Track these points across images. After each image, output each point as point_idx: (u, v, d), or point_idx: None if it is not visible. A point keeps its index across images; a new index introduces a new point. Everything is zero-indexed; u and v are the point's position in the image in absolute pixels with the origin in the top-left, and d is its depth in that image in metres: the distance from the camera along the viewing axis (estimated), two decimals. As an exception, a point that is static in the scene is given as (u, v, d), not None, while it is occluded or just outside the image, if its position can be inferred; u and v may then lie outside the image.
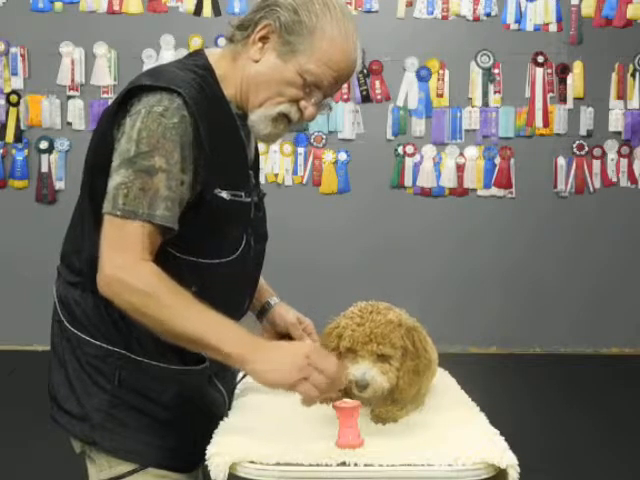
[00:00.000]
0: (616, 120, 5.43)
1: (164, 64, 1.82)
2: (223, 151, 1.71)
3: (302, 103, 1.73)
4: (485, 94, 5.39)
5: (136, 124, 1.62)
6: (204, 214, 1.70)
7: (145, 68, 5.06)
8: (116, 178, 1.62)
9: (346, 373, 1.65)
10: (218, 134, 1.69)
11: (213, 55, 1.79)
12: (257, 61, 1.73)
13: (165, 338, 1.64)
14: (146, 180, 1.60)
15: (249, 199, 1.79)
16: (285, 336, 2.02)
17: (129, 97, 1.66)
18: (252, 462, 1.49)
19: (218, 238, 1.75)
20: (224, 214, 1.74)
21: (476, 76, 5.39)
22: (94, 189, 1.72)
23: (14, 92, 5.27)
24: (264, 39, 1.72)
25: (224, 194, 1.72)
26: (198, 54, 1.81)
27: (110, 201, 1.62)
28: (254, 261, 1.87)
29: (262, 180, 5.16)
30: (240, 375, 2.00)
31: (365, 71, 5.32)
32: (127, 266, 1.60)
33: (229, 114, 1.75)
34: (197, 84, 1.68)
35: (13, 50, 5.27)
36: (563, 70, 5.39)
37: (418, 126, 5.39)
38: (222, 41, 5.18)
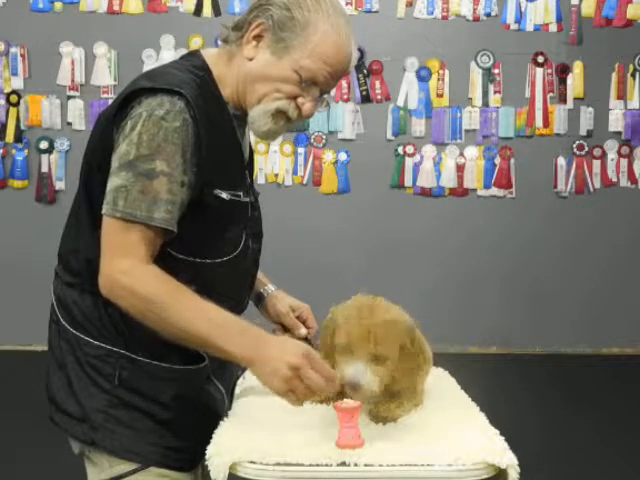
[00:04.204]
0: (616, 120, 5.42)
1: (161, 66, 1.82)
2: (222, 152, 1.72)
3: (299, 100, 1.73)
4: (485, 94, 5.39)
5: (137, 127, 1.62)
6: (204, 215, 1.71)
7: (145, 68, 5.06)
8: (116, 180, 1.62)
9: (340, 376, 1.64)
10: (217, 135, 1.70)
11: (209, 56, 1.79)
12: (251, 59, 1.73)
13: (169, 338, 1.65)
14: (146, 183, 1.61)
15: (247, 199, 1.80)
16: (282, 327, 2.04)
17: (129, 99, 1.66)
18: (252, 462, 1.49)
19: (217, 238, 1.76)
20: (224, 214, 1.74)
21: (476, 76, 5.38)
22: (91, 189, 1.73)
23: (14, 92, 5.26)
24: (258, 37, 1.72)
25: (224, 194, 1.72)
26: (194, 55, 1.81)
27: (110, 203, 1.62)
28: (252, 259, 1.88)
29: (262, 180, 5.18)
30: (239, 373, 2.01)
31: (365, 71, 5.31)
32: (130, 270, 1.60)
33: (227, 114, 1.75)
34: (196, 85, 1.68)
35: (13, 50, 5.26)
36: (563, 70, 5.38)
37: (418, 126, 5.39)
38: (222, 41, 5.18)
